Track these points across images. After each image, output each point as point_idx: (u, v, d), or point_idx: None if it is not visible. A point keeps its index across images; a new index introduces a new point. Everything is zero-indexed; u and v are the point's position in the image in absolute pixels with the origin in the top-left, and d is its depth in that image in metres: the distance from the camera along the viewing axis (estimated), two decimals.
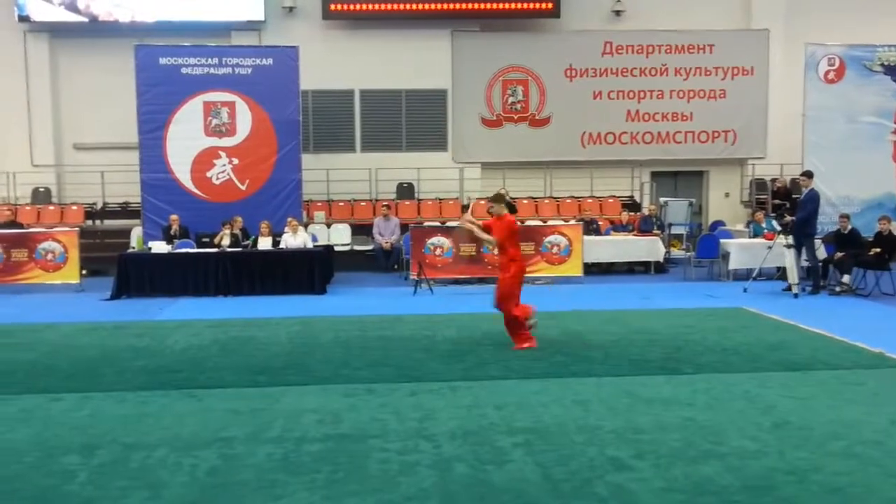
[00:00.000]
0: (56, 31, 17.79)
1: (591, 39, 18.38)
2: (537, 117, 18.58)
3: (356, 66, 17.89)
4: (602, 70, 18.45)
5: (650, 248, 15.03)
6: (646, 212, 16.60)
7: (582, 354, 7.76)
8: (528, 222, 15.69)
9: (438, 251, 13.52)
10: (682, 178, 19.60)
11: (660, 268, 15.25)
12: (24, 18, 17.42)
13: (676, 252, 16.18)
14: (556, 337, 8.61)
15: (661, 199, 17.06)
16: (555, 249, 13.75)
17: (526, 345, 8.03)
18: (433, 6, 17.76)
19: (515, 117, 18.55)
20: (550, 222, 15.60)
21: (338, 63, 17.72)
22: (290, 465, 4.75)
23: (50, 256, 13.34)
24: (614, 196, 18.34)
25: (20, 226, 14.99)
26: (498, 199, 8.39)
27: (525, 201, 17.53)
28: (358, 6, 17.70)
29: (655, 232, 15.41)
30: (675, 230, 16.29)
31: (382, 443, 5.14)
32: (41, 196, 17.64)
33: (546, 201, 18.09)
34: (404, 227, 15.41)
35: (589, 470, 4.62)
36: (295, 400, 6.21)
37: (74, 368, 7.46)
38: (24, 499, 4.32)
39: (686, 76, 18.57)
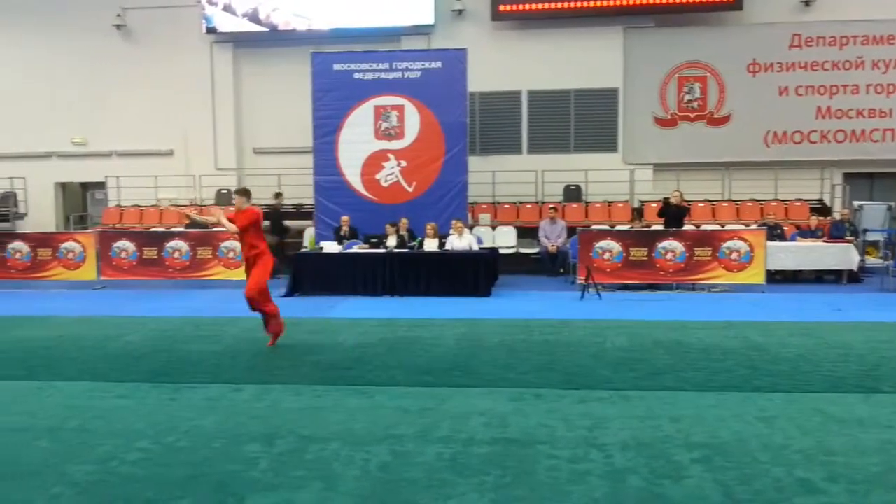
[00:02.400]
0: (239, 41, 18.86)
1: (777, 32, 17.35)
2: (716, 115, 17.73)
3: (524, 67, 17.79)
4: (789, 64, 17.35)
5: (842, 255, 13.89)
6: (837, 216, 15.50)
7: (766, 368, 7.20)
8: (705, 226, 14.98)
9: (607, 255, 13.09)
10: (880, 180, 18.07)
11: (853, 277, 14.07)
12: (211, 30, 18.61)
13: (872, 260, 14.91)
14: (736, 348, 8.07)
15: (856, 203, 15.82)
16: (734, 255, 12.96)
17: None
18: (605, 3, 17.38)
19: (692, 116, 17.78)
20: (729, 227, 14.78)
21: (505, 64, 17.69)
22: (459, 467, 4.68)
23: (231, 255, 14.07)
24: (801, 199, 17.13)
25: (205, 226, 15.88)
26: (242, 192, 8.63)
27: (701, 204, 16.76)
28: (527, 6, 17.61)
29: (848, 238, 14.32)
30: (871, 236, 15.01)
31: (551, 449, 4.97)
32: (223, 197, 18.70)
33: (724, 204, 17.18)
34: (571, 231, 15.08)
35: (775, 491, 4.24)
36: (462, 401, 6.15)
37: (254, 361, 7.77)
38: (212, 482, 4.50)
39: (885, 69, 17.13)
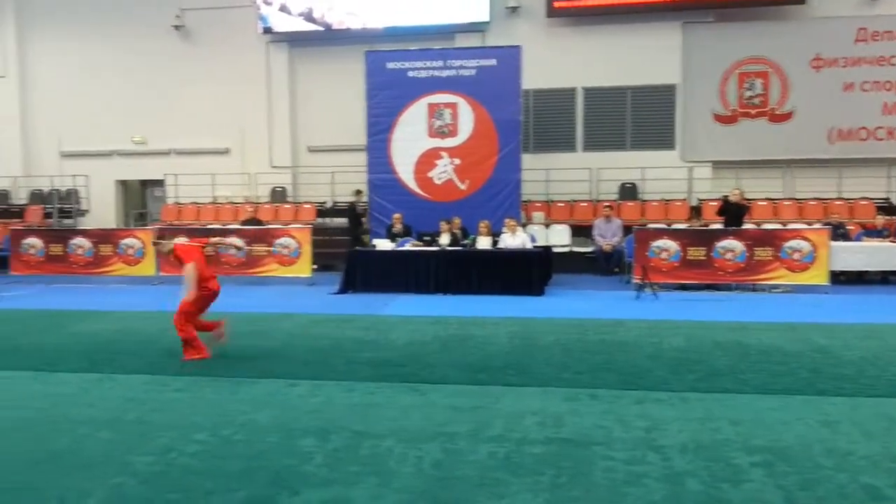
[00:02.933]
0: (294, 40, 19.04)
1: (842, 26, 16.82)
2: (777, 112, 17.28)
3: (579, 64, 17.60)
4: (855, 59, 16.81)
5: None
6: None
7: (830, 371, 6.97)
8: (766, 225, 14.62)
9: (664, 254, 12.87)
10: None
11: None
12: (267, 30, 18.83)
13: None
14: (798, 350, 7.84)
15: None
16: (796, 255, 12.61)
17: (197, 356, 7.68)
18: None
19: (753, 112, 17.36)
20: (791, 226, 14.39)
21: (560, 61, 17.52)
22: (513, 466, 4.64)
23: (286, 251, 14.20)
24: (867, 198, 16.64)
25: (260, 223, 16.10)
26: (160, 239, 8.57)
27: (762, 203, 16.37)
28: (583, 2, 17.44)
29: None
30: None
31: (607, 450, 4.90)
32: (278, 195, 18.93)
33: (786, 203, 16.76)
34: (626, 229, 14.87)
35: (840, 497, 4.12)
36: (515, 400, 6.10)
37: (308, 357, 7.81)
38: (269, 475, 4.54)
39: None
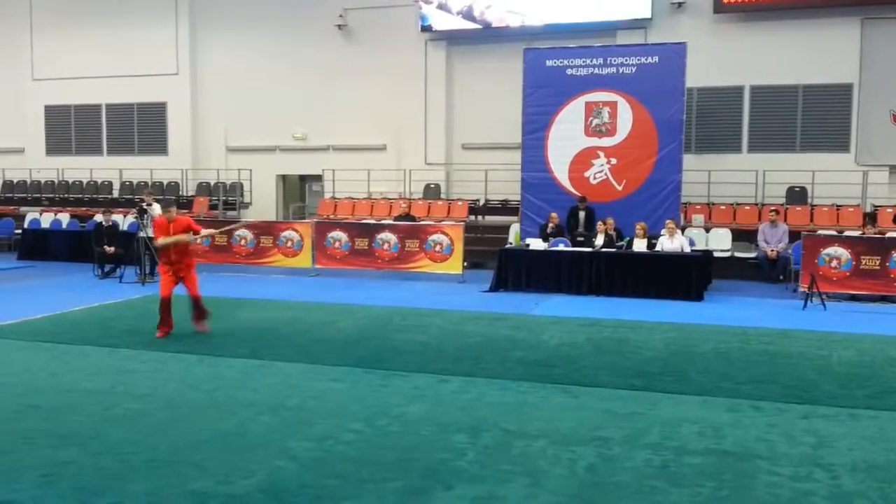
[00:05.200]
0: (452, 38, 19.22)
1: None
2: None
3: (747, 61, 16.78)
4: None
5: None
6: None
7: None
8: None
9: (834, 263, 12.10)
10: None
11: None
12: (426, 28, 19.10)
13: None
14: None
15: None
16: None
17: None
18: None
19: None
20: None
21: (727, 58, 16.78)
22: (670, 475, 4.54)
23: (438, 248, 14.39)
24: None
25: (413, 219, 16.38)
26: (172, 203, 9.09)
27: None
28: None
29: None
30: None
31: (770, 465, 4.72)
32: (432, 192, 19.18)
33: None
34: (793, 235, 14.06)
35: None
36: (672, 408, 5.95)
37: (460, 353, 7.89)
38: (422, 468, 4.63)
39: None
